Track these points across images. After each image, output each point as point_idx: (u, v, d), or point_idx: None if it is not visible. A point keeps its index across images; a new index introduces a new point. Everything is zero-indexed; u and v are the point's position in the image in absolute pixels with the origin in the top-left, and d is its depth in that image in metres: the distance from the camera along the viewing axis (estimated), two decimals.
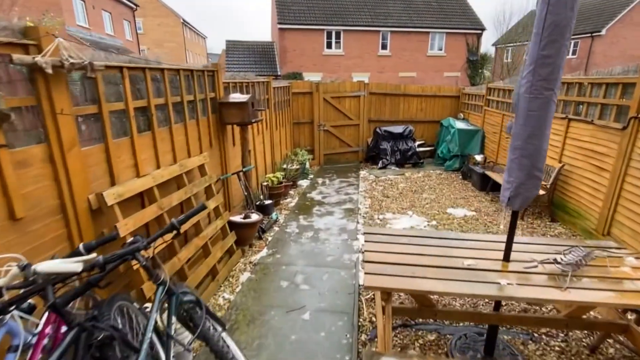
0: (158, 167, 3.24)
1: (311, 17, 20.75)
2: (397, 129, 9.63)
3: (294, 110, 9.32)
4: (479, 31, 22.83)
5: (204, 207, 1.91)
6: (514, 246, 2.45)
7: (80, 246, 1.62)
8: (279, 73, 21.17)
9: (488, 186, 7.13)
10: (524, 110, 2.06)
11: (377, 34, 21.69)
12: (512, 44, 25.58)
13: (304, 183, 7.93)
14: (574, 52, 26.57)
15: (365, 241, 2.66)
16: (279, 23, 20.31)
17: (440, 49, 22.97)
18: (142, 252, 1.70)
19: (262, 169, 6.60)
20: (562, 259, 2.32)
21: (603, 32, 24.47)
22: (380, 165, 9.40)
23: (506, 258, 2.42)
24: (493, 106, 8.57)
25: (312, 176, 8.60)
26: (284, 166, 7.29)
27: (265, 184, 6.06)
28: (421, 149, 10.13)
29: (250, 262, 4.17)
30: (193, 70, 3.91)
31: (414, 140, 9.81)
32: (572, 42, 26.41)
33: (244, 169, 4.81)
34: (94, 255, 1.54)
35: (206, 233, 3.57)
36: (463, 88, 11.04)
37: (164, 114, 3.39)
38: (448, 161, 9.28)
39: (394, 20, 21.62)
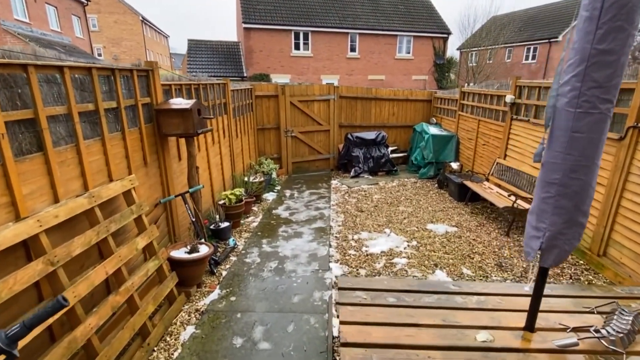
0: (57, 200, 2.36)
1: (278, 17, 19.97)
2: (370, 134, 9.05)
3: (258, 115, 8.50)
4: (445, 35, 23.08)
5: (60, 307, 1.11)
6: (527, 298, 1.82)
7: None
8: (245, 74, 20.19)
9: (467, 196, 6.67)
10: (566, 131, 1.42)
11: (345, 36, 21.29)
12: (476, 49, 26.11)
13: (269, 197, 7.13)
14: (533, 57, 27.49)
15: (339, 303, 1.93)
16: (244, 22, 19.35)
17: (408, 52, 22.97)
18: None
19: (219, 184, 5.74)
20: (607, 331, 1.71)
21: (560, 38, 25.42)
22: (352, 173, 8.77)
23: (529, 327, 1.78)
24: (468, 111, 8.20)
25: (279, 188, 7.81)
26: (246, 179, 6.47)
27: (221, 202, 5.22)
28: (394, 155, 9.62)
29: (197, 310, 3.33)
30: (115, 70, 3.04)
31: (387, 147, 9.28)
32: (532, 47, 27.37)
33: (190, 190, 3.96)
34: None
35: (131, 283, 2.71)
36: (435, 92, 10.68)
37: (66, 127, 2.51)
38: (422, 169, 8.81)
39: (362, 22, 21.34)
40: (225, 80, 6.10)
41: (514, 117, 6.07)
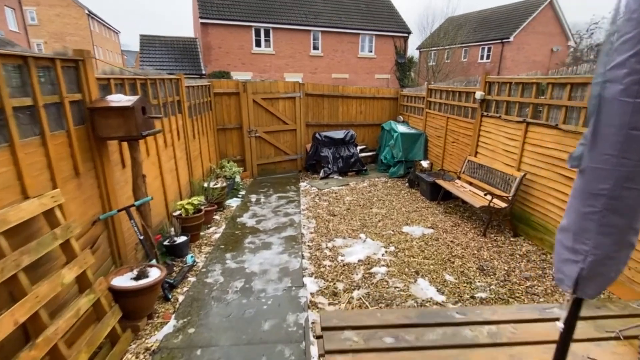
0: None
1: (237, 13, 19.17)
2: (338, 134, 8.72)
3: (217, 115, 7.86)
4: (406, 34, 23.46)
5: None
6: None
7: None
8: (203, 72, 19.19)
9: (439, 195, 6.52)
10: (621, 128, 1.09)
11: (308, 34, 20.92)
12: (435, 48, 26.80)
13: (233, 203, 6.56)
14: (488, 57, 28.65)
15: (327, 352, 1.51)
16: (201, 17, 18.35)
17: (371, 51, 23.10)
18: None
19: (174, 192, 5.11)
20: None
21: (511, 38, 26.69)
22: (322, 174, 8.39)
23: None
24: (435, 108, 8.09)
25: (243, 193, 7.25)
26: (206, 185, 5.86)
27: (177, 214, 4.61)
28: (363, 154, 9.37)
29: (147, 349, 2.76)
30: (29, 58, 2.40)
31: (356, 146, 9.00)
32: (486, 47, 28.52)
33: (135, 203, 3.35)
34: None
35: (55, 330, 2.12)
36: (401, 89, 10.57)
37: None
38: (392, 168, 8.62)
39: (325, 20, 21.09)
40: (178, 76, 5.46)
41: (484, 113, 5.98)
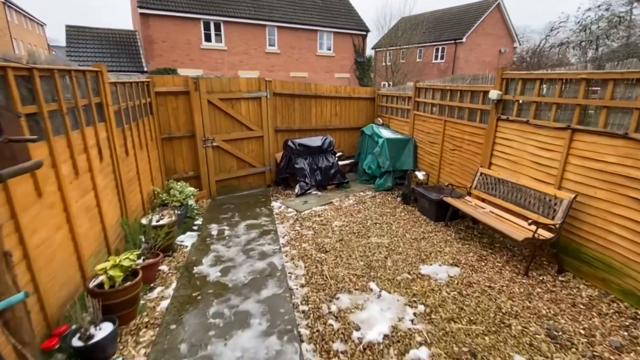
0: None
1: (182, 3, 16.99)
2: (315, 141, 7.30)
3: (162, 120, 6.09)
4: (364, 32, 22.79)
5: None
6: None
7: None
8: (145, 69, 16.73)
9: (447, 216, 5.39)
10: None
11: (263, 29, 19.28)
12: (393, 48, 26.46)
13: (188, 240, 4.88)
14: (442, 57, 28.88)
15: None
16: (140, 7, 15.92)
17: (329, 49, 22.07)
18: None
19: (94, 243, 3.36)
20: None
21: (464, 39, 27.06)
22: (298, 191, 6.92)
23: None
24: (427, 110, 7.00)
25: (201, 222, 5.57)
26: (147, 221, 4.15)
27: (96, 284, 2.91)
28: (341, 162, 8.05)
29: None
30: None
31: (335, 154, 7.66)
32: (440, 47, 28.72)
33: None
34: None
35: None
36: (378, 89, 9.43)
37: None
38: (378, 179, 7.40)
39: (280, 14, 19.59)
40: (98, 67, 3.71)
41: (501, 117, 4.92)
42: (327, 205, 6.40)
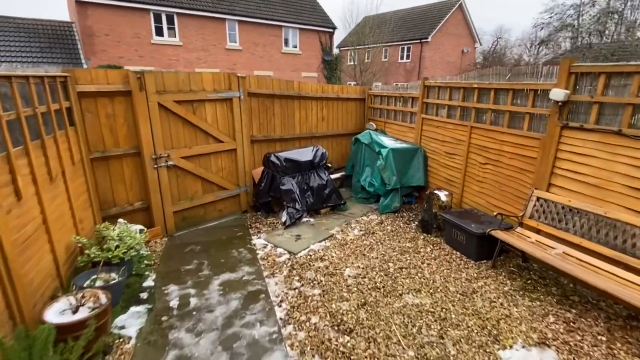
0: None
1: None
2: (304, 154, 5.74)
3: (90, 133, 4.23)
4: (331, 30, 21.64)
5: None
6: None
7: None
8: (85, 66, 14.13)
9: (495, 253, 4.08)
10: None
11: (222, 23, 17.36)
12: (360, 47, 25.55)
13: (131, 324, 3.11)
14: (408, 57, 28.39)
15: None
16: None
17: (295, 47, 20.63)
18: None
19: None
20: None
21: (429, 39, 26.73)
22: (285, 219, 5.31)
23: None
24: (442, 113, 5.71)
25: (152, 281, 3.81)
26: (52, 318, 2.39)
27: None
28: (332, 176, 6.56)
29: None
30: None
31: (327, 169, 6.15)
32: (406, 47, 28.21)
33: None
34: None
35: None
36: (369, 88, 8.07)
37: None
38: (383, 198, 6.00)
39: (241, 8, 17.78)
40: None
41: (567, 124, 3.69)
42: (327, 240, 4.86)
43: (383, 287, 3.71)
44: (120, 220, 4.37)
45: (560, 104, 3.70)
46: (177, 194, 5.06)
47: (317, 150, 5.87)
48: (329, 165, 7.10)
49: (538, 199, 3.96)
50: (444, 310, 3.33)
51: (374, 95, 7.63)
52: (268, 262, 4.27)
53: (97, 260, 3.36)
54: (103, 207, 4.47)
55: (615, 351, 2.79)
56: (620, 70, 3.20)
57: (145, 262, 4.07)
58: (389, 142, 6.25)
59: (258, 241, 4.84)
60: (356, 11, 38.88)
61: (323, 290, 3.64)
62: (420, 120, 6.16)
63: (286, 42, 20.15)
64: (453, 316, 3.24)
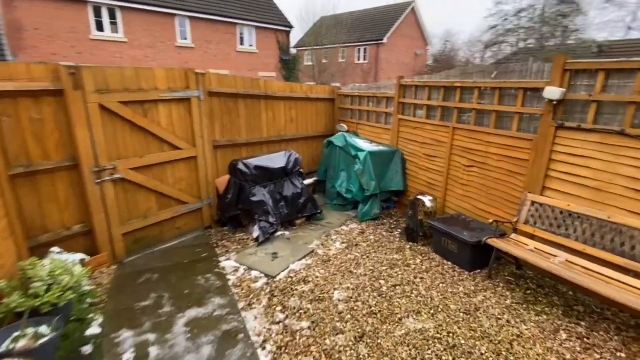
0: None
1: None
2: (275, 160, 5.16)
3: (9, 141, 3.34)
4: (288, 29, 21.14)
5: None
6: None
7: None
8: None
9: (490, 262, 3.82)
10: None
11: (171, 19, 16.15)
12: (319, 47, 25.32)
13: None
14: (364, 58, 28.64)
15: None
16: None
17: (251, 45, 19.88)
18: None
19: None
20: None
21: (385, 40, 27.14)
22: (258, 235, 4.69)
23: None
24: (421, 114, 5.42)
25: (99, 324, 3.04)
26: None
27: None
28: (305, 181, 6.05)
29: None
30: None
31: (301, 175, 5.62)
32: (362, 48, 28.44)
33: None
34: None
35: None
36: (338, 87, 7.66)
37: None
38: (362, 205, 5.59)
39: (192, 3, 16.67)
40: None
41: (561, 123, 3.50)
42: (308, 257, 4.34)
43: (379, 311, 3.26)
44: (54, 249, 3.53)
45: (554, 102, 3.50)
46: (126, 212, 4.25)
47: (289, 156, 5.32)
48: (302, 171, 6.57)
49: (533, 203, 3.75)
50: (451, 334, 2.96)
51: (344, 95, 7.23)
52: (242, 289, 3.65)
53: (21, 311, 2.55)
54: (31, 234, 3.57)
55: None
56: (621, 67, 3.03)
57: (89, 300, 3.29)
58: (364, 144, 5.87)
59: (227, 263, 4.19)
60: (312, 10, 38.52)
61: (312, 322, 3.11)
62: (396, 121, 5.84)
63: (242, 40, 19.33)
64: (462, 341, 2.87)
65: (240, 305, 3.37)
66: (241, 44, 19.23)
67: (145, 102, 4.20)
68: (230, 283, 3.76)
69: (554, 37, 13.02)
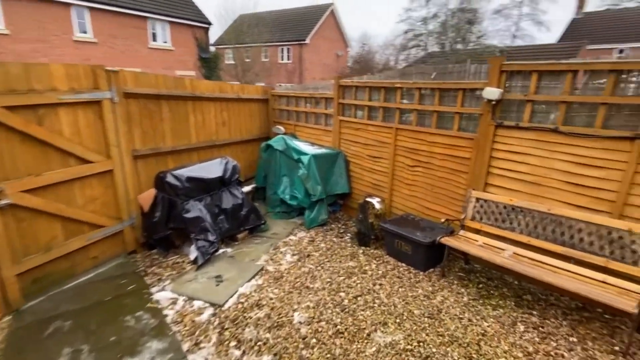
0: None
1: None
2: (210, 169, 4.59)
3: None
4: (206, 25, 20.01)
5: None
6: None
7: None
8: None
9: (443, 260, 3.86)
10: None
11: (66, 9, 14.01)
12: (241, 45, 24.46)
13: None
14: (288, 58, 28.54)
15: None
16: None
17: (166, 42, 18.37)
18: None
19: None
20: None
21: (307, 40, 27.37)
22: (198, 259, 4.08)
23: None
24: (362, 115, 5.34)
25: None
26: None
27: None
28: (243, 189, 5.56)
29: None
30: None
31: (240, 184, 5.13)
32: (286, 48, 28.33)
33: None
34: None
35: None
36: (272, 87, 7.27)
37: None
38: (308, 211, 5.32)
39: None
40: None
41: (503, 123, 3.67)
42: (258, 276, 3.91)
43: (346, 329, 3.02)
44: None
45: (493, 102, 3.64)
46: (21, 246, 3.33)
47: (227, 163, 4.79)
48: (241, 179, 6.05)
49: (478, 199, 3.88)
50: (421, 344, 2.85)
51: (279, 96, 6.88)
52: (185, 326, 3.09)
53: None
54: None
55: (590, 352, 2.75)
56: (552, 69, 3.24)
57: None
58: (306, 147, 5.61)
59: (162, 295, 3.56)
60: (232, 8, 36.94)
61: (275, 354, 2.74)
62: (337, 122, 5.69)
63: (155, 37, 17.65)
64: (434, 349, 2.78)
65: (186, 347, 2.83)
66: (154, 40, 17.57)
67: (39, 106, 3.33)
68: (169, 320, 3.17)
69: (464, 41, 14.38)
